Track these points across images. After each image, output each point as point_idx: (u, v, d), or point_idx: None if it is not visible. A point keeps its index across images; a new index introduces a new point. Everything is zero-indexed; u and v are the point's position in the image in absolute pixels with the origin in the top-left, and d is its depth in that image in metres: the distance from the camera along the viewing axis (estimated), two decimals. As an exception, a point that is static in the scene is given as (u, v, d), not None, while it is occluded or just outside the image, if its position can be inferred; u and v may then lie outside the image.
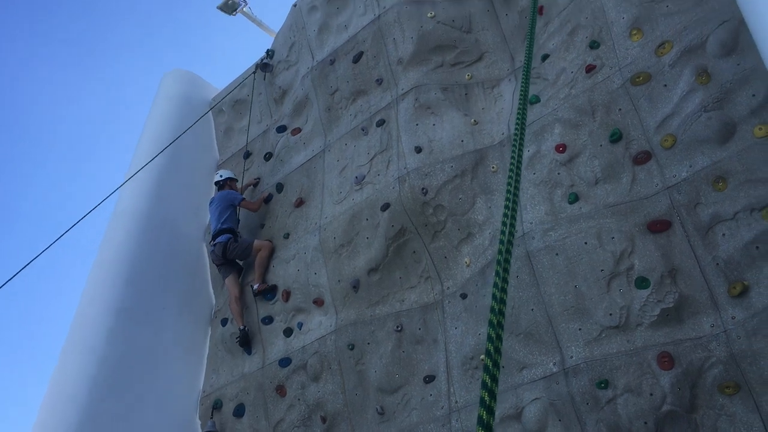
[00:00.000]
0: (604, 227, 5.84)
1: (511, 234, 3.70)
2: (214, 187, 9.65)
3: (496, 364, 2.83)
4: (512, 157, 4.44)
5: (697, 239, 5.43)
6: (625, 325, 5.46)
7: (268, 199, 9.15)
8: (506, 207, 3.95)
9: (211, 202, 9.14)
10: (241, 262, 8.84)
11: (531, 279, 6.05)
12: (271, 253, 8.52)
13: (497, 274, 3.35)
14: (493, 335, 2.97)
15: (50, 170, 30.68)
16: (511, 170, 4.32)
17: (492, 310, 3.13)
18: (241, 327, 8.25)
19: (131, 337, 8.07)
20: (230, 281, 8.60)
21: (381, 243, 7.32)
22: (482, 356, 6.02)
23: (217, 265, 8.74)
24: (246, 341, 8.19)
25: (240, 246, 8.56)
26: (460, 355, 6.43)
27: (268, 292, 8.27)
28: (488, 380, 2.74)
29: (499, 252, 3.52)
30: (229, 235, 8.57)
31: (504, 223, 3.82)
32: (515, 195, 4.10)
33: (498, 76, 7.79)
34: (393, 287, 7.29)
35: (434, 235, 7.08)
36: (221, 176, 9.30)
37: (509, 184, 4.18)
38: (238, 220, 8.86)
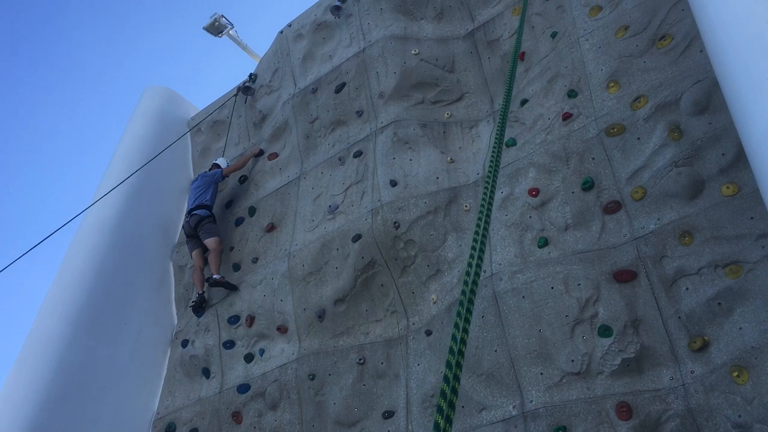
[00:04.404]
0: (571, 273, 5.88)
1: (477, 274, 3.69)
2: (186, 206, 9.57)
3: (451, 405, 2.77)
4: (482, 201, 4.44)
5: (661, 291, 5.49)
6: (586, 372, 5.48)
7: (242, 172, 9.44)
8: (473, 248, 3.94)
9: (192, 182, 9.36)
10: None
11: (496, 320, 6.05)
12: (220, 251, 8.74)
13: (459, 314, 3.31)
14: (450, 375, 2.92)
15: (31, 178, 30.32)
16: (481, 212, 4.33)
17: (451, 350, 3.09)
18: (200, 292, 8.61)
19: (88, 351, 7.90)
20: (197, 254, 8.86)
21: (350, 274, 7.29)
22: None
23: (187, 236, 8.96)
24: (200, 305, 8.54)
25: (210, 229, 8.77)
26: (421, 393, 6.39)
27: (226, 287, 8.36)
28: (441, 422, 2.68)
29: (463, 293, 3.50)
30: (207, 212, 8.86)
31: (470, 264, 3.81)
32: (483, 237, 4.10)
33: (477, 117, 7.88)
34: (358, 319, 7.25)
35: (403, 270, 7.07)
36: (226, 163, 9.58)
37: (478, 225, 4.18)
38: (214, 198, 9.16)
